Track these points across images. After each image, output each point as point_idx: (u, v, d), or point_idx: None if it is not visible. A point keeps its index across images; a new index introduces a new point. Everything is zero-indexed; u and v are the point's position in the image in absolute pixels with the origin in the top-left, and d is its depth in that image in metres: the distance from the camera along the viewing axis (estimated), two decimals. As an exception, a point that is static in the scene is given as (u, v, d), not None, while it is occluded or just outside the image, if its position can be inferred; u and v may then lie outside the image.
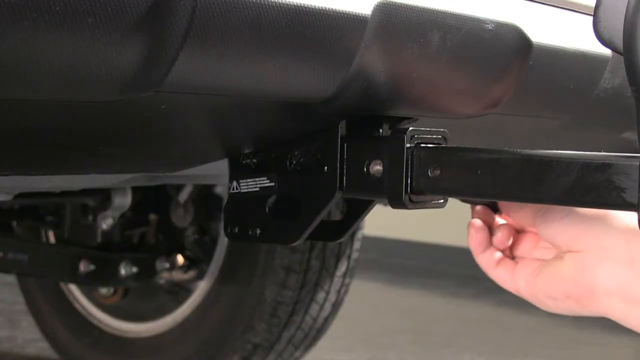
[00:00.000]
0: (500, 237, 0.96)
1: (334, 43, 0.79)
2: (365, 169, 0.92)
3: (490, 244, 0.96)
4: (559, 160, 0.80)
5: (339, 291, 2.02)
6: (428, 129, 0.91)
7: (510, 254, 0.97)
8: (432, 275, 4.63)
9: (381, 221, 3.61)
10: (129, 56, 0.68)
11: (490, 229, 0.97)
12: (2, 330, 2.91)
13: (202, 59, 0.72)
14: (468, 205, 1.01)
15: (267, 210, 1.01)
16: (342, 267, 1.99)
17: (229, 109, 0.88)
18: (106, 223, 2.01)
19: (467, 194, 0.90)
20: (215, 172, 1.12)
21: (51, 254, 2.13)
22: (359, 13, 0.79)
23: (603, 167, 0.76)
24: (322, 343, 2.11)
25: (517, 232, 0.98)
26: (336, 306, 2.04)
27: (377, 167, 0.92)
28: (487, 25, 0.92)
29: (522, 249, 0.97)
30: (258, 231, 1.02)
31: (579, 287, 0.88)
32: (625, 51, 0.69)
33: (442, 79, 0.95)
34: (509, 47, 0.97)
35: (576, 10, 1.08)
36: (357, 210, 1.02)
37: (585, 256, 0.87)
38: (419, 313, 3.69)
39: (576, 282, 0.88)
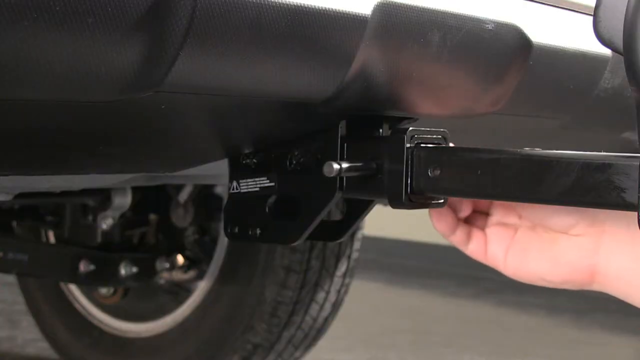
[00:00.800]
0: (463, 206, 0.94)
1: (334, 43, 0.79)
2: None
3: (458, 222, 0.94)
4: (559, 160, 0.80)
5: (339, 291, 2.01)
6: (428, 129, 0.91)
7: (482, 223, 0.95)
8: (432, 275, 4.63)
9: (381, 221, 3.60)
10: (129, 56, 0.68)
11: (456, 209, 0.95)
12: (2, 330, 2.91)
13: (202, 59, 0.72)
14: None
15: (267, 210, 1.01)
16: (342, 267, 1.99)
17: (229, 109, 0.88)
18: (106, 223, 2.00)
19: (467, 194, 0.90)
20: (215, 172, 1.12)
21: (51, 254, 2.13)
22: (359, 13, 0.79)
23: (603, 167, 0.76)
24: (322, 343, 2.11)
25: None
26: (336, 306, 2.03)
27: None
28: (487, 25, 0.92)
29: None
30: (258, 231, 1.02)
31: (578, 272, 0.87)
32: (625, 51, 0.69)
33: (442, 79, 0.95)
34: (509, 47, 0.97)
35: (576, 10, 1.08)
36: (357, 210, 1.02)
37: (585, 241, 0.86)
38: (419, 313, 3.69)
39: (575, 268, 0.87)
